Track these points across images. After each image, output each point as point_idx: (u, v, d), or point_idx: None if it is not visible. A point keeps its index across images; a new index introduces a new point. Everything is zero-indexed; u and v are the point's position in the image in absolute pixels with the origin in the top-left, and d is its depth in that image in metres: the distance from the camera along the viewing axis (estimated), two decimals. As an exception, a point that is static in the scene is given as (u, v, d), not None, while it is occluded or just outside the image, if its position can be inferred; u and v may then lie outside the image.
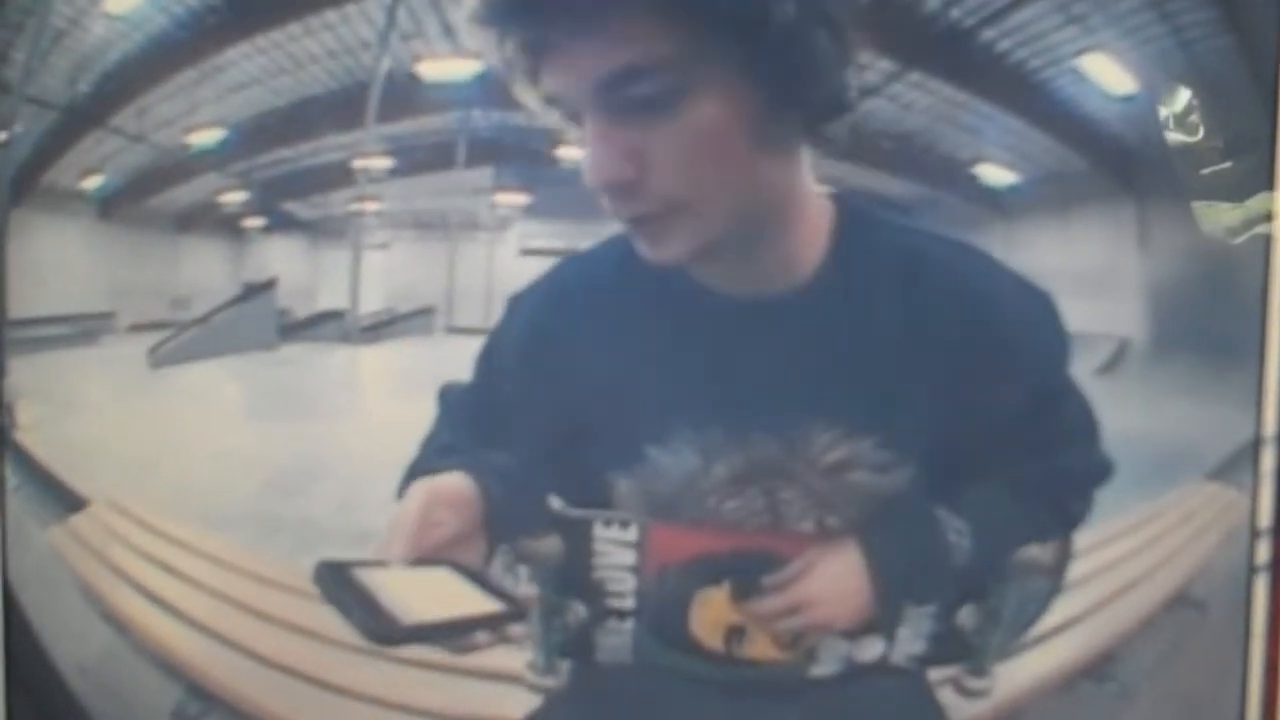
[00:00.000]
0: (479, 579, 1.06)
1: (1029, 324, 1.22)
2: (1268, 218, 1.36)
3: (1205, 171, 1.39)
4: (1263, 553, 1.39)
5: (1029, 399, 1.23)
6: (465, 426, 1.26)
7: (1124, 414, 1.31)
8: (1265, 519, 1.39)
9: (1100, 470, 1.29)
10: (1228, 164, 1.39)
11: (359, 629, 0.92)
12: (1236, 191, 1.39)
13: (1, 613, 1.44)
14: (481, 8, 1.04)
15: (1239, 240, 1.37)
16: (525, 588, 1.21)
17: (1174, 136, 1.39)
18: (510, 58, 1.06)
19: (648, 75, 1.01)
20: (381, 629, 0.92)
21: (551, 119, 1.08)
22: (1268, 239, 1.36)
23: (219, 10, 1.53)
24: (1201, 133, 1.39)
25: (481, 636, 1.02)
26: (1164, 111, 1.40)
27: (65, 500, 1.57)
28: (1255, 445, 1.39)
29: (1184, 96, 1.40)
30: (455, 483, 1.14)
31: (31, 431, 1.55)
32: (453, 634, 1.01)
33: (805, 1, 1.02)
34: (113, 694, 1.54)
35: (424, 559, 1.05)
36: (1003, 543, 1.26)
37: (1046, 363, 1.24)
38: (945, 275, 1.20)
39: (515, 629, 1.03)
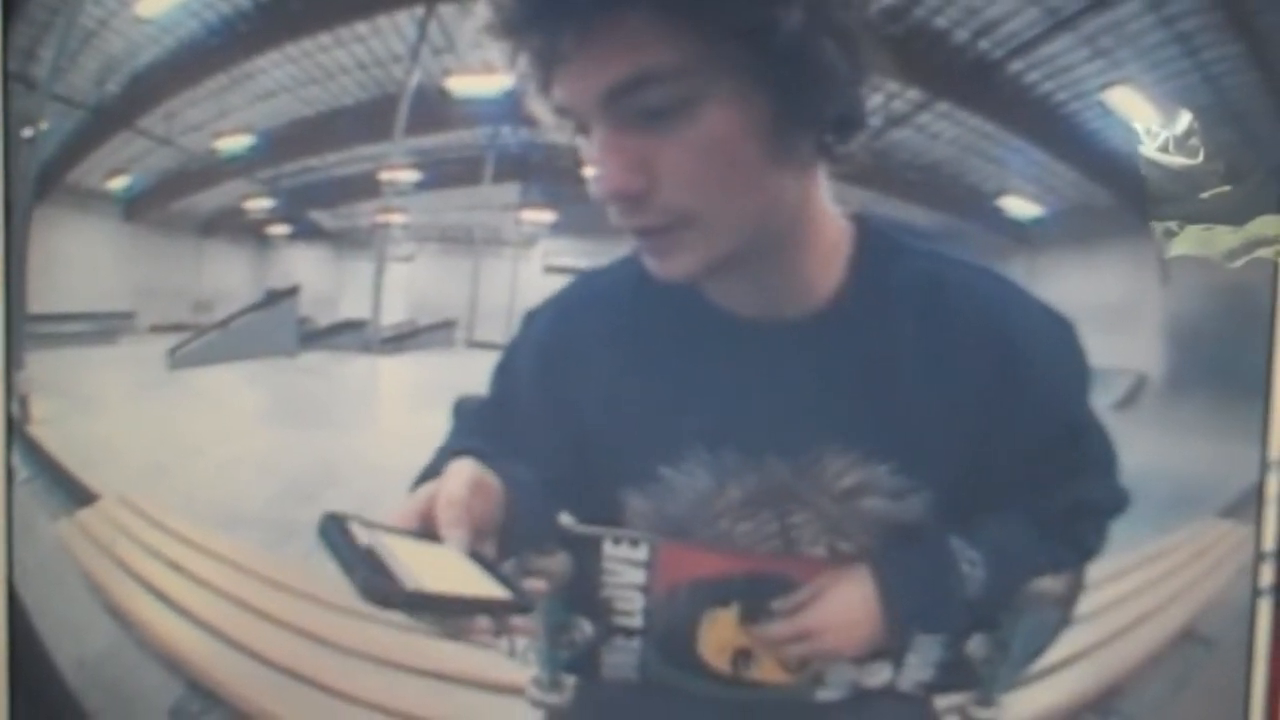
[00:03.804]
0: (486, 563, 0.97)
1: (1052, 352, 1.16)
2: (1266, 241, 1.31)
3: (1205, 195, 1.34)
4: (1266, 577, 1.34)
5: (1049, 428, 1.17)
6: (480, 439, 1.22)
7: (1139, 449, 1.25)
8: (1269, 543, 1.33)
9: (1118, 503, 1.23)
10: (1228, 188, 1.34)
11: (359, 586, 0.83)
12: (1236, 215, 1.33)
13: (5, 604, 1.40)
14: (495, 19, 0.98)
15: (1238, 263, 1.32)
16: (532, 582, 1.17)
17: (1174, 160, 1.34)
18: (524, 70, 1.01)
19: (656, 84, 0.95)
20: (383, 588, 0.83)
21: (564, 133, 1.04)
22: (1276, 267, 1.32)
23: (250, 18, 1.49)
24: (1202, 156, 1.34)
25: (483, 621, 0.94)
26: (1165, 135, 1.35)
27: (75, 495, 1.53)
28: (1261, 469, 1.33)
29: (1185, 119, 1.35)
30: (488, 479, 1.09)
31: (45, 425, 1.50)
32: (455, 609, 0.92)
33: (814, 11, 0.95)
34: (112, 689, 1.48)
35: (433, 535, 1.00)
36: (1016, 574, 1.19)
37: (1068, 392, 1.19)
38: (967, 301, 1.14)
39: (518, 621, 0.97)
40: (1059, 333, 1.15)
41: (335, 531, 0.90)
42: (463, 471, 1.03)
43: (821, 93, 0.99)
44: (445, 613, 0.93)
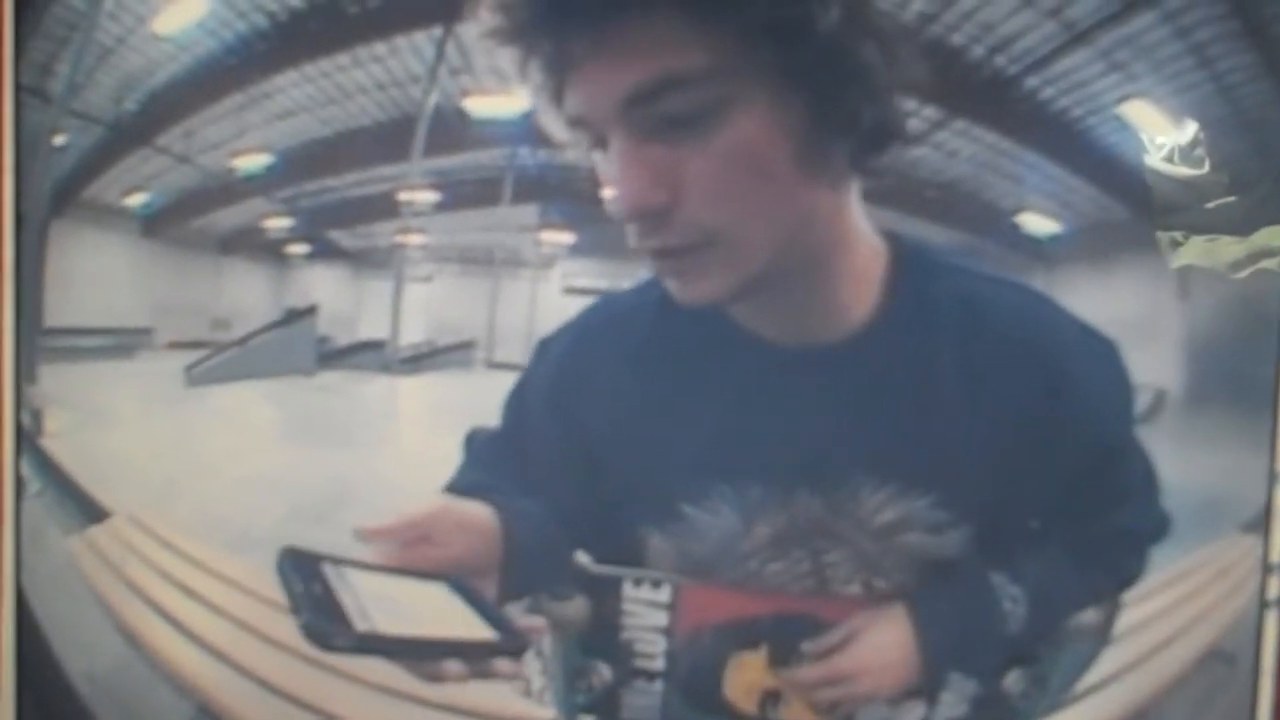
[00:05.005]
0: (478, 604, 0.94)
1: (1096, 374, 1.12)
2: (1271, 252, 1.28)
3: (1211, 205, 1.32)
4: (1274, 589, 1.30)
5: (1093, 452, 1.13)
6: (492, 473, 1.19)
7: (1159, 466, 1.22)
8: (1277, 554, 1.29)
9: (1160, 527, 1.18)
10: (1234, 198, 1.32)
11: (300, 628, 0.80)
12: (1242, 226, 1.31)
13: (14, 615, 1.39)
14: (501, 22, 0.93)
15: (1243, 274, 1.30)
16: (527, 620, 1.13)
17: (1180, 170, 1.32)
18: (534, 79, 0.97)
19: (681, 89, 0.90)
20: (324, 631, 0.80)
21: (579, 149, 1.01)
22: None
23: (268, 37, 1.49)
24: (1208, 166, 1.32)
25: (453, 665, 0.88)
26: (1169, 145, 1.33)
27: (87, 510, 1.51)
28: (1269, 480, 1.29)
29: (1190, 130, 1.33)
30: (478, 513, 1.06)
31: (59, 439, 1.49)
32: (419, 652, 0.87)
33: (852, 8, 0.90)
34: (122, 706, 1.46)
35: (411, 571, 0.97)
36: (1058, 610, 1.16)
37: (1113, 414, 1.15)
38: (1008, 321, 1.10)
39: (502, 664, 0.94)
40: (1102, 353, 1.12)
41: (291, 569, 0.87)
42: (429, 503, 1.03)
43: (858, 97, 0.93)
44: (407, 655, 0.89)
